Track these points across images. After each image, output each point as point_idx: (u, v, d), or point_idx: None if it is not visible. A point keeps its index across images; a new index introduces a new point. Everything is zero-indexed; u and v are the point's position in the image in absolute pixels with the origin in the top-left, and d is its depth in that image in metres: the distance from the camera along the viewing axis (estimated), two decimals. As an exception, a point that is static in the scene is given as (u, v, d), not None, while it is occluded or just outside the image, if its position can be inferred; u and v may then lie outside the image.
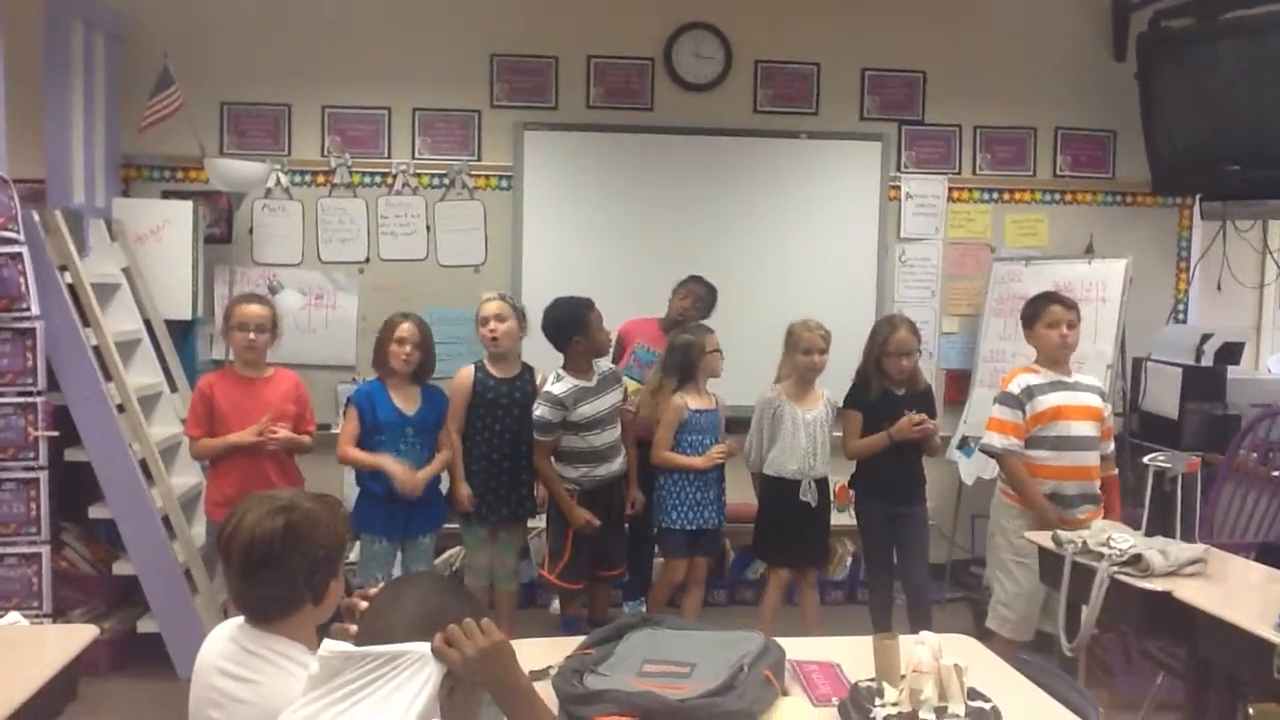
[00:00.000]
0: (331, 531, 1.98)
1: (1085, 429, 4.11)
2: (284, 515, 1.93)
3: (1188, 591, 3.07)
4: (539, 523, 4.93)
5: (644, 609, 4.76)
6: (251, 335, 4.14)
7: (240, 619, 2.02)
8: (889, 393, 4.46)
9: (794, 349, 4.47)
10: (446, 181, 5.59)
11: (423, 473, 4.23)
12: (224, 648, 1.99)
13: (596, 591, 4.66)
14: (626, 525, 4.71)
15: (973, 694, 2.15)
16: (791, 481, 4.44)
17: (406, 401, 4.27)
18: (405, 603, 1.69)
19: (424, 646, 1.62)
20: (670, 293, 5.08)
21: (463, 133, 5.61)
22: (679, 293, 5.03)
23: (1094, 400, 4.16)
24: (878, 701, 2.14)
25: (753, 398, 4.68)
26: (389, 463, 4.15)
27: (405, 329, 4.24)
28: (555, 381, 4.31)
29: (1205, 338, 5.39)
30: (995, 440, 4.16)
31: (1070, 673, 3.17)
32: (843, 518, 5.62)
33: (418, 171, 5.58)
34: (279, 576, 1.94)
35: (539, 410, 4.27)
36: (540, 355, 4.59)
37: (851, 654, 2.55)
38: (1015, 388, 4.15)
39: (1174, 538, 3.49)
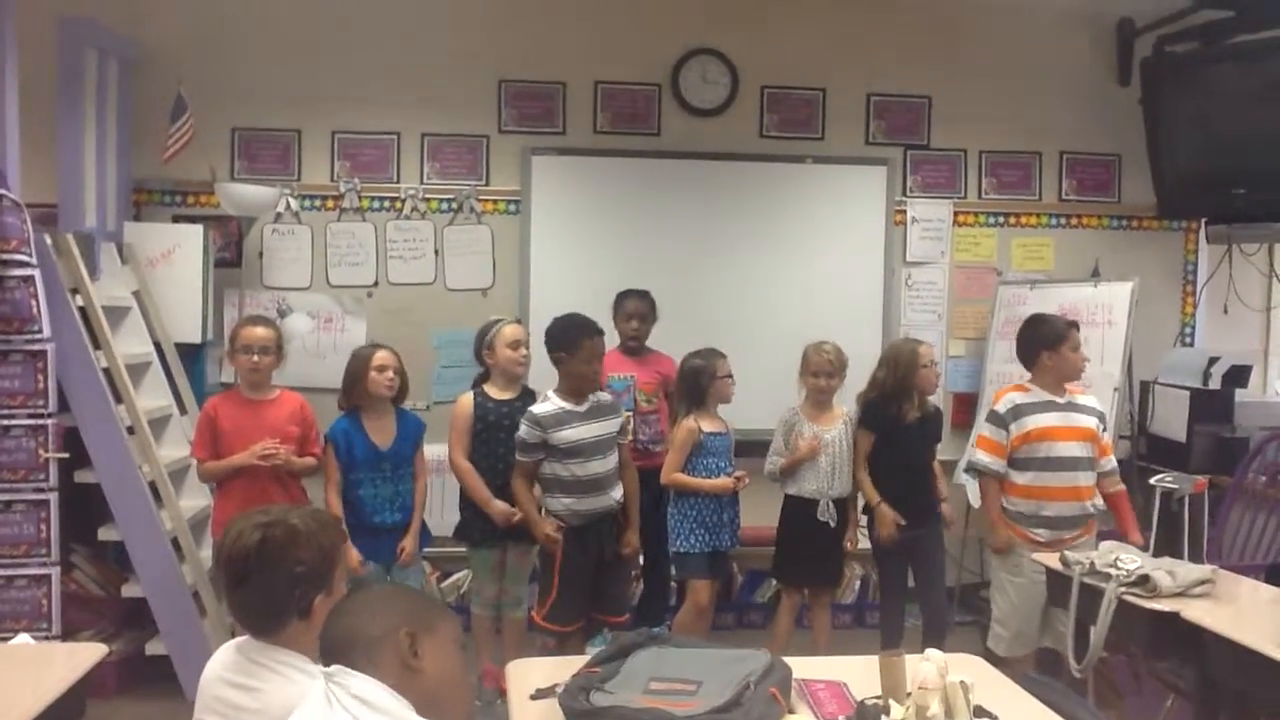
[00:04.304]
0: (314, 548, 1.99)
1: (1075, 449, 4.14)
2: (261, 531, 1.96)
3: (1195, 612, 3.07)
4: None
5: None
6: (255, 357, 4.14)
7: (246, 635, 2.04)
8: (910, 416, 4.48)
9: (805, 371, 4.52)
10: (455, 206, 5.62)
11: (407, 542, 4.24)
12: (228, 659, 2.02)
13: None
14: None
15: (979, 711, 2.16)
16: (810, 501, 4.45)
17: (382, 433, 4.23)
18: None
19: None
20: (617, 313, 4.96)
21: (471, 157, 5.64)
22: (619, 315, 4.92)
23: (1088, 421, 4.19)
24: (883, 719, 2.14)
25: (760, 421, 4.69)
26: (352, 553, 4.00)
27: (383, 356, 4.23)
28: (541, 402, 4.19)
29: (1212, 361, 5.40)
30: (979, 458, 4.26)
31: (1079, 694, 3.15)
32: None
33: (426, 196, 5.61)
34: (257, 591, 1.97)
35: (520, 429, 4.14)
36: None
37: (858, 673, 2.54)
38: (1002, 406, 4.23)
39: (1182, 559, 3.50)
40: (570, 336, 4.16)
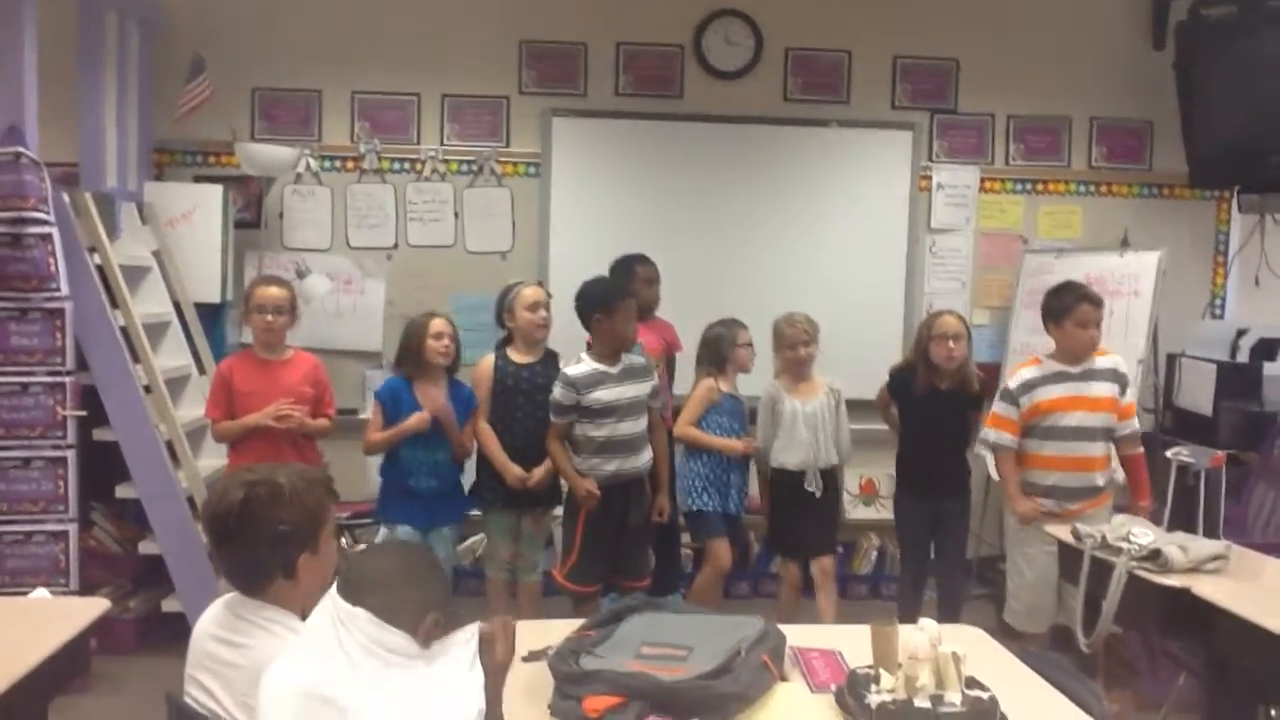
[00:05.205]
0: (299, 507, 2.00)
1: (1085, 419, 4.10)
2: (245, 490, 1.97)
3: (1206, 588, 3.01)
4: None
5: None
6: (269, 317, 4.14)
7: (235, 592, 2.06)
8: (933, 387, 4.43)
9: (781, 345, 4.52)
10: (475, 168, 5.60)
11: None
12: (218, 615, 2.04)
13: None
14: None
15: (971, 683, 2.13)
16: (796, 473, 4.45)
17: (431, 399, 4.26)
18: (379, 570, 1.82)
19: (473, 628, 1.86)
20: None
21: (491, 119, 5.61)
22: (636, 280, 4.76)
23: (1104, 389, 4.12)
24: (874, 688, 2.12)
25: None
26: (411, 421, 4.15)
27: (440, 323, 4.25)
28: (575, 363, 4.16)
29: (1241, 333, 5.29)
30: (989, 434, 4.26)
31: (1090, 671, 3.12)
32: (869, 511, 5.60)
33: (446, 158, 5.59)
34: (239, 549, 1.99)
35: (554, 391, 4.13)
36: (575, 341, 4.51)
37: (855, 642, 2.52)
38: (1014, 383, 4.22)
39: (1196, 534, 3.44)
40: (608, 298, 4.14)
